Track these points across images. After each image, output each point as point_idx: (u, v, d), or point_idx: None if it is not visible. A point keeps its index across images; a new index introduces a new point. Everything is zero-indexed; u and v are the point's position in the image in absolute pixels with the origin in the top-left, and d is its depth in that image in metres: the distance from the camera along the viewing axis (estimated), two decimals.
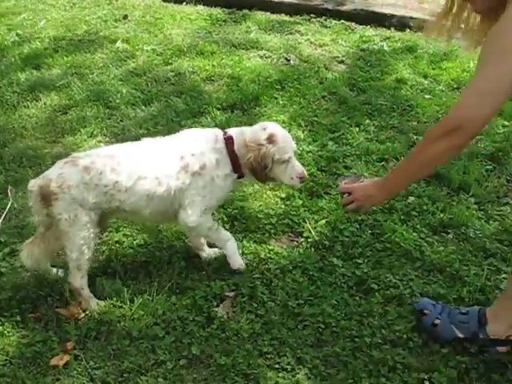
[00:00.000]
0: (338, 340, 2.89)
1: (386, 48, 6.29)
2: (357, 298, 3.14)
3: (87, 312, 3.02)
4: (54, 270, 3.27)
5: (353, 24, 6.90)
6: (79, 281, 3.05)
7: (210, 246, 3.43)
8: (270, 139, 3.07)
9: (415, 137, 4.61)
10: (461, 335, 2.86)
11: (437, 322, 2.91)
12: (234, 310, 3.05)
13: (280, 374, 2.73)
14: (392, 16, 6.88)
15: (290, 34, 6.68)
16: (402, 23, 6.82)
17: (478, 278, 3.26)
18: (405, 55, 6.14)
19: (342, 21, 6.96)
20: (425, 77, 5.71)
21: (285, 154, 3.09)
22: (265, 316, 3.01)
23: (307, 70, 5.74)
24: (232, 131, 3.19)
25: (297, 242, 3.57)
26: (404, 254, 3.44)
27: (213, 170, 3.08)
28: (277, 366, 2.77)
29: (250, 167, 3.10)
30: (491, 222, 3.75)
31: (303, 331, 2.94)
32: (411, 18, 6.83)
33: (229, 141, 3.13)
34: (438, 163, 2.65)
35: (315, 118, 4.88)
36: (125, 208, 3.05)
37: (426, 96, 5.32)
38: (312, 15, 7.08)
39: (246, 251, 3.42)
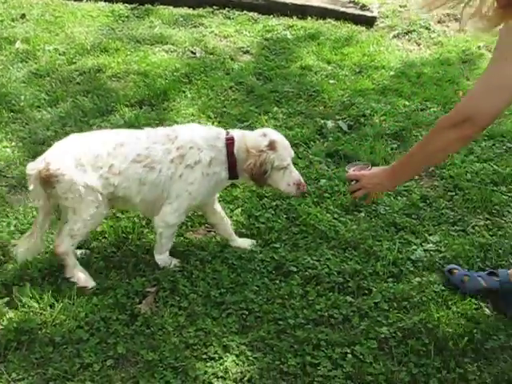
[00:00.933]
0: (262, 324, 2.95)
1: (289, 36, 6.42)
2: (277, 282, 3.21)
3: (4, 323, 2.91)
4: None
5: (255, 14, 6.99)
6: (67, 246, 3.07)
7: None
8: (271, 146, 3.13)
9: (322, 121, 4.75)
10: (485, 285, 3.09)
11: (465, 278, 3.13)
12: (157, 305, 3.05)
13: (208, 364, 2.75)
14: (293, 5, 7.00)
15: (195, 27, 6.68)
16: (303, 12, 6.95)
17: (391, 251, 3.41)
18: (308, 42, 6.29)
19: (245, 12, 7.03)
20: (328, 63, 5.87)
21: (284, 160, 3.15)
22: (188, 308, 3.02)
23: (213, 62, 5.78)
24: (234, 133, 3.23)
25: (214, 232, 3.59)
26: (319, 235, 3.55)
27: (204, 167, 3.12)
28: (204, 356, 2.79)
29: (249, 172, 3.14)
30: (399, 197, 3.93)
31: (227, 319, 2.97)
32: (312, 6, 6.99)
33: (229, 142, 3.16)
34: (446, 153, 2.74)
35: (224, 109, 4.93)
36: (118, 193, 3.08)
37: (331, 81, 5.48)
38: (215, 7, 7.11)
39: None
